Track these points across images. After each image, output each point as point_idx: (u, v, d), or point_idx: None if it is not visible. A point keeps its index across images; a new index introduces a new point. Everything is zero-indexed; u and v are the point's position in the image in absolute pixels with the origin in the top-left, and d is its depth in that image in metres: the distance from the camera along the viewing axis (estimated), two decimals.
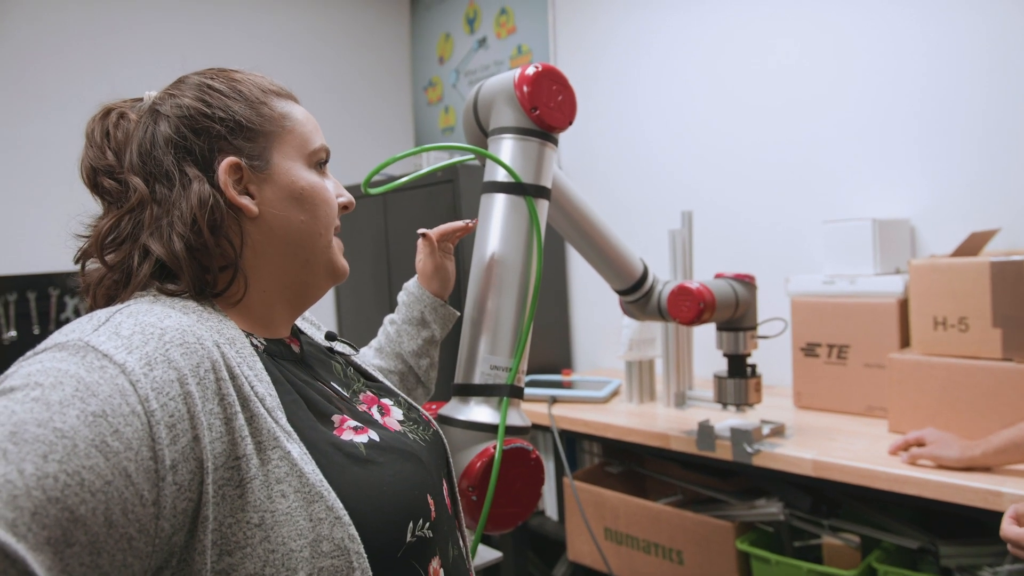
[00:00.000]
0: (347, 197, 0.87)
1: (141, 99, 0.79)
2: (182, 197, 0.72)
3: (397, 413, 0.89)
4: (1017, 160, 1.75)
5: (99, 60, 2.62)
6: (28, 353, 0.60)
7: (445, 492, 0.88)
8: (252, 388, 0.67)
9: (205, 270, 0.73)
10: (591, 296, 2.74)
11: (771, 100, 2.19)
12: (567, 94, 1.20)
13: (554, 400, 2.11)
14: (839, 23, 2.03)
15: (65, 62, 2.56)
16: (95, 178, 0.77)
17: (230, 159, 0.74)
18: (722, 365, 1.65)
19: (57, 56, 2.56)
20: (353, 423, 0.77)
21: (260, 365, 0.71)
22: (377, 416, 0.85)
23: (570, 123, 1.20)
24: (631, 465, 2.12)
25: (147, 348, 0.60)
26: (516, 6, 2.98)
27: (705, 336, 2.15)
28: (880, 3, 1.94)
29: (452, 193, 2.44)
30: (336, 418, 0.76)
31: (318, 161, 0.82)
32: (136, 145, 0.75)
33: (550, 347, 2.75)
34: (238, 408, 0.64)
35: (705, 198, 2.35)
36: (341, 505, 0.66)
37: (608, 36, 2.64)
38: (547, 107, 1.16)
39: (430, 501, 0.78)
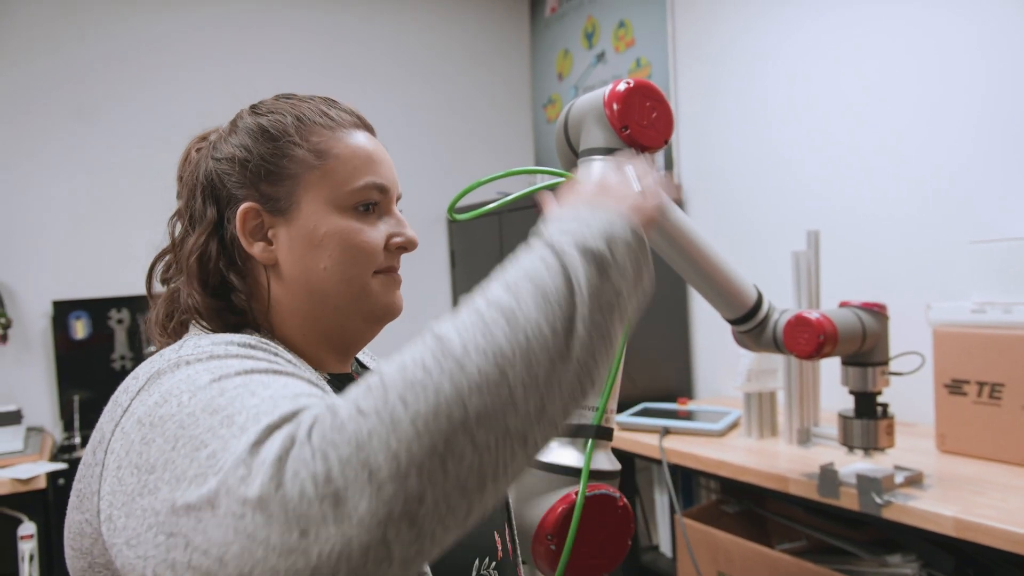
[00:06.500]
0: (404, 237, 0.78)
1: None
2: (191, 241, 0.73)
3: None
4: None
5: (193, 84, 2.75)
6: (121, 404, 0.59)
7: (507, 535, 0.82)
8: None
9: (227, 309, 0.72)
10: (715, 318, 2.58)
11: (907, 110, 1.98)
12: (662, 110, 1.11)
13: (667, 431, 2.00)
14: (986, 28, 1.80)
15: (170, 87, 2.73)
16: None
17: (246, 205, 0.72)
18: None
19: (162, 82, 2.73)
20: None
21: None
22: None
23: (666, 142, 1.11)
24: (749, 505, 1.97)
25: (251, 343, 0.63)
26: (635, 18, 2.89)
27: (834, 366, 1.96)
28: None
29: (534, 219, 2.36)
30: None
31: (360, 202, 0.74)
32: (189, 181, 0.76)
33: (667, 373, 2.61)
34: None
35: (833, 217, 2.15)
36: None
37: (731, 46, 2.50)
38: (639, 125, 1.08)
39: (497, 539, 0.74)
